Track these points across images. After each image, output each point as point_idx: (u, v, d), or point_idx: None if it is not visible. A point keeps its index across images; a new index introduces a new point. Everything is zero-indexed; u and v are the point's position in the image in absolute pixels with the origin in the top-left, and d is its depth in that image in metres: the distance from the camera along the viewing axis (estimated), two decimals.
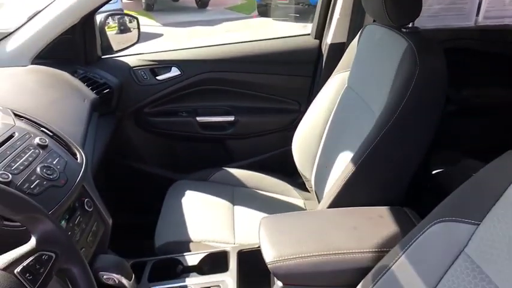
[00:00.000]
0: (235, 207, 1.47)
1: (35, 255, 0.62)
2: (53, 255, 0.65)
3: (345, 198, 1.09)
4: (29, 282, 0.59)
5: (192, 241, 1.26)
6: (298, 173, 1.58)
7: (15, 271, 0.58)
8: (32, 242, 0.63)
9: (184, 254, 1.16)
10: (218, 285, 1.02)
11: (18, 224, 0.75)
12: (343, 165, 1.16)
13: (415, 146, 1.06)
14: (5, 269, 0.58)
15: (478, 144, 1.81)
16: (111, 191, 1.50)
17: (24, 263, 0.60)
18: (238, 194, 1.55)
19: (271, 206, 1.50)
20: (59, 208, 0.88)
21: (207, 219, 1.36)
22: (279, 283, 0.90)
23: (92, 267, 0.90)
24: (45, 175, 0.90)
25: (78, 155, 1.08)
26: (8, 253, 0.61)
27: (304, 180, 1.60)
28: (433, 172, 1.74)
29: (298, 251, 0.90)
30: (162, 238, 1.29)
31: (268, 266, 0.89)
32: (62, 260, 0.66)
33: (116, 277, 0.90)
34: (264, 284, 1.13)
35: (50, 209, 0.86)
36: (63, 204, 0.90)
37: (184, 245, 1.25)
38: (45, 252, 0.64)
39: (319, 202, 1.45)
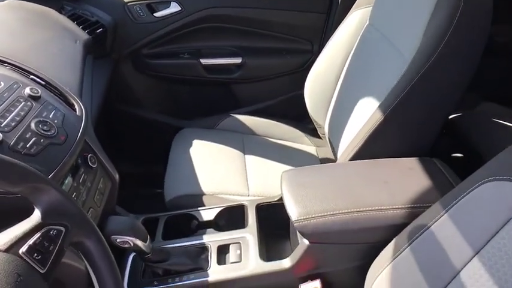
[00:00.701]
0: (246, 156, 1.39)
1: (42, 230, 0.54)
2: (63, 228, 0.56)
3: (371, 149, 1.00)
4: (38, 262, 0.51)
5: (204, 194, 1.19)
6: (309, 118, 1.49)
7: (20, 251, 0.50)
8: (37, 216, 0.54)
9: (199, 208, 1.10)
10: (238, 242, 0.97)
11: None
12: (366, 113, 1.06)
13: (451, 90, 0.96)
14: (7, 249, 0.50)
15: (498, 88, 1.70)
16: (112, 142, 1.41)
17: (30, 241, 0.52)
18: (248, 142, 1.46)
19: (283, 154, 1.42)
20: (62, 168, 0.79)
21: (218, 170, 1.29)
22: (305, 241, 0.85)
23: (103, 231, 0.83)
24: (42, 131, 0.80)
25: (76, 106, 0.97)
26: (8, 230, 0.52)
27: (316, 126, 1.51)
28: (450, 117, 1.65)
29: (326, 208, 0.83)
30: (172, 192, 1.22)
31: (294, 224, 0.82)
32: (72, 233, 0.58)
33: (131, 240, 0.83)
34: (284, 239, 1.08)
35: (52, 171, 0.77)
36: (66, 163, 0.81)
37: (197, 198, 1.18)
38: (53, 227, 0.55)
39: (333, 150, 1.38)
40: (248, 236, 0.98)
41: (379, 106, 0.99)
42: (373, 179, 0.90)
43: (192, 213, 1.09)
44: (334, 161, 1.41)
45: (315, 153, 1.49)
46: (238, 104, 1.69)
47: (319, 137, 1.55)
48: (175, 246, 0.98)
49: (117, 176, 1.07)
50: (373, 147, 1.00)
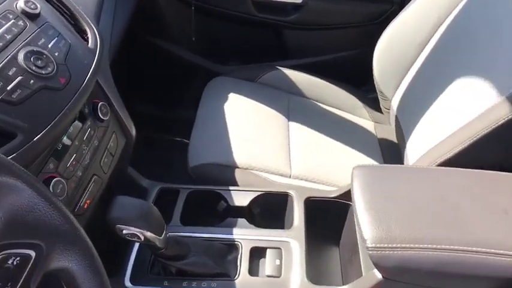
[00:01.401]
0: (291, 124, 1.13)
1: None
2: (31, 254, 0.33)
3: (474, 156, 0.74)
4: None
5: (237, 167, 0.95)
6: (373, 85, 1.20)
7: None
8: None
9: (230, 188, 0.87)
10: (279, 248, 0.74)
11: None
12: (469, 105, 0.78)
13: None
14: None
15: None
16: (132, 80, 1.16)
17: None
18: (294, 105, 1.19)
19: (335, 127, 1.16)
20: (56, 126, 0.55)
21: (256, 137, 1.04)
22: (377, 274, 0.61)
23: (106, 216, 0.61)
24: (34, 68, 0.55)
25: (89, 34, 0.70)
26: None
27: (379, 97, 1.23)
28: None
29: (419, 238, 0.59)
30: (198, 157, 0.98)
31: (369, 251, 0.58)
32: (50, 256, 0.35)
33: (141, 233, 0.61)
34: (334, 246, 0.86)
35: (40, 129, 0.53)
36: (64, 118, 0.57)
37: (227, 171, 0.95)
38: (13, 251, 0.32)
39: (398, 132, 1.11)
40: (292, 242, 0.75)
41: (502, 101, 0.70)
42: (487, 203, 0.64)
43: (220, 191, 0.86)
44: (396, 144, 1.15)
45: (373, 131, 1.22)
46: (287, 55, 1.39)
47: (380, 111, 1.27)
48: (197, 238, 0.76)
49: (133, 132, 0.83)
50: (479, 154, 0.74)
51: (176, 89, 1.40)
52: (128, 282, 0.71)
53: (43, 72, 0.56)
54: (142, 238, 0.63)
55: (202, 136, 1.04)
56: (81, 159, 0.66)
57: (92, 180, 0.69)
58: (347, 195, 0.81)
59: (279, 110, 1.15)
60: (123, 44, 0.99)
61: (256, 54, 1.38)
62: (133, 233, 0.62)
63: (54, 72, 0.57)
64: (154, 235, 0.63)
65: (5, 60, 0.53)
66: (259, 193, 0.86)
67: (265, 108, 1.15)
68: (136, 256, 0.74)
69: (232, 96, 1.15)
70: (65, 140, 0.64)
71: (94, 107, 0.71)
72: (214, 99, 1.14)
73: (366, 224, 0.61)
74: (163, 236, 0.64)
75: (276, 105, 1.16)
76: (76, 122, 0.67)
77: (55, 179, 0.59)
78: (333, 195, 0.83)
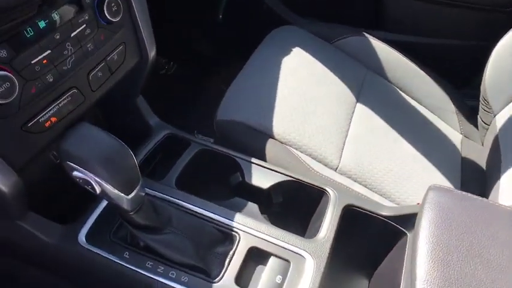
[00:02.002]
0: (359, 106, 0.88)
1: None
2: None
3: None
4: None
5: (273, 137, 0.73)
6: (478, 90, 0.92)
7: None
8: None
9: (253, 160, 0.65)
10: (287, 260, 0.53)
11: None
12: None
13: None
14: None
15: None
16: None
17: None
18: (370, 85, 0.94)
19: (411, 126, 0.90)
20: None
21: (309, 108, 0.81)
22: None
23: (58, 146, 0.42)
24: None
25: None
26: None
27: (481, 107, 0.94)
28: None
29: None
30: (228, 111, 0.77)
31: None
32: None
33: (95, 181, 0.42)
34: (364, 276, 0.62)
35: None
36: None
37: (258, 137, 0.73)
38: None
39: (490, 155, 0.84)
40: (309, 259, 0.53)
41: None
42: None
43: (240, 160, 0.65)
44: (482, 170, 0.87)
45: (459, 146, 0.94)
46: (382, 26, 1.11)
47: (475, 124, 0.98)
48: (186, 210, 0.56)
49: (152, 53, 0.63)
50: None
51: (237, 31, 1.19)
52: (82, 238, 0.54)
53: None
54: (98, 190, 0.44)
55: (242, 89, 0.82)
56: (58, 60, 0.48)
57: (69, 93, 0.50)
58: (405, 220, 0.57)
59: (350, 84, 0.90)
60: None
61: (345, 14, 1.11)
62: (86, 180, 0.43)
63: None
64: (116, 190, 0.44)
65: None
66: (288, 178, 0.63)
67: (333, 77, 0.90)
68: (103, 210, 0.56)
69: (296, 51, 0.91)
70: (41, 26, 0.45)
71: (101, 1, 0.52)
72: (273, 51, 0.91)
73: (428, 279, 0.37)
74: (132, 195, 0.45)
75: (348, 78, 0.91)
76: (67, 7, 0.48)
77: (1, 72, 0.41)
78: (384, 213, 0.58)
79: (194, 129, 0.87)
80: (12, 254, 0.59)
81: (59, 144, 0.42)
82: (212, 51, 1.33)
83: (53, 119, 0.49)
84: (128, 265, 0.51)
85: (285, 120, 0.76)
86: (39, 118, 0.48)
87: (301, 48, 0.91)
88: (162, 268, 0.51)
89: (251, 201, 0.61)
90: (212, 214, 0.56)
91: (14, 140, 0.45)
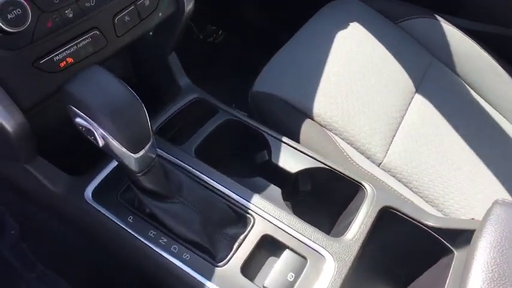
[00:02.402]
0: (417, 97, 0.77)
1: None
2: None
3: None
4: None
5: (311, 117, 0.66)
6: None
7: None
8: None
9: (284, 139, 0.58)
10: (304, 257, 0.46)
11: None
12: None
13: None
14: None
15: None
16: None
17: None
18: (434, 76, 0.83)
19: (477, 130, 0.78)
20: None
21: (359, 92, 0.72)
22: None
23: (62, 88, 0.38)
24: None
25: None
26: None
27: None
28: None
29: None
30: (267, 82, 0.70)
31: None
32: None
33: (99, 133, 0.38)
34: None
35: None
36: None
37: (295, 116, 0.66)
38: None
39: None
40: (330, 260, 0.45)
41: None
42: None
43: (270, 138, 0.58)
44: None
45: None
46: (457, 7, 0.97)
47: None
48: (200, 182, 0.51)
49: (190, 6, 0.57)
50: None
51: (293, 2, 1.10)
52: (88, 193, 0.50)
53: None
54: (101, 143, 0.39)
55: (285, 61, 0.74)
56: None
57: (89, 34, 0.46)
58: (454, 235, 0.47)
59: (410, 72, 0.79)
60: None
61: None
62: (88, 129, 0.38)
63: None
64: (122, 147, 0.39)
65: None
66: (321, 165, 0.56)
67: (392, 61, 0.80)
68: (115, 168, 0.52)
69: (352, 28, 0.81)
70: None
71: None
72: (327, 24, 0.82)
73: None
74: (139, 154, 0.40)
75: (410, 64, 0.80)
76: None
77: None
78: (429, 223, 0.49)
79: (231, 101, 0.81)
80: (25, 197, 0.57)
81: (64, 84, 0.38)
82: (264, 22, 1.26)
83: (69, 60, 0.45)
84: (130, 230, 0.47)
85: (328, 101, 0.68)
86: (54, 56, 0.43)
87: (359, 24, 0.81)
88: (165, 240, 0.46)
89: (274, 185, 0.54)
90: (228, 190, 0.50)
91: (23, 76, 0.42)
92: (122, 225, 0.47)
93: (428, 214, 0.51)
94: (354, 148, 0.66)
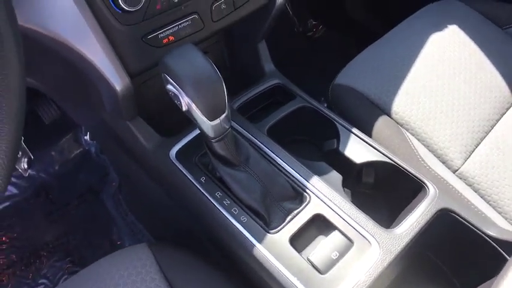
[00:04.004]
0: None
1: None
2: None
3: None
4: None
5: (388, 114, 0.66)
6: None
7: None
8: None
9: (355, 131, 0.60)
10: (351, 240, 0.48)
11: None
12: None
13: None
14: None
15: None
16: None
17: None
18: None
19: None
20: None
21: (447, 98, 0.69)
22: None
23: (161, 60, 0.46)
24: None
25: None
26: None
27: None
28: None
29: None
30: (350, 76, 0.72)
31: None
32: None
33: (182, 98, 0.45)
34: None
35: None
36: None
37: (372, 111, 0.67)
38: None
39: None
40: (375, 247, 0.47)
41: None
42: None
43: (341, 128, 0.61)
44: None
45: None
46: None
47: None
48: (266, 158, 0.56)
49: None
50: None
51: (396, 1, 1.08)
52: (173, 152, 0.58)
53: None
54: (184, 107, 0.46)
55: (372, 57, 0.75)
56: None
57: (190, 17, 0.53)
58: None
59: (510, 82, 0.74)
60: None
61: None
62: (176, 94, 0.46)
63: None
64: (200, 113, 0.46)
65: None
66: (386, 159, 0.57)
67: (491, 68, 0.75)
68: (196, 136, 0.59)
69: (451, 30, 0.78)
70: None
71: None
72: (424, 24, 0.80)
73: None
74: (214, 122, 0.47)
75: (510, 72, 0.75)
76: None
77: None
78: (492, 234, 0.47)
79: (321, 95, 0.84)
80: (126, 152, 0.68)
81: (162, 57, 0.46)
82: (367, 19, 1.25)
83: (171, 38, 0.53)
84: (200, 188, 0.54)
85: (410, 100, 0.68)
86: (159, 34, 0.52)
87: (460, 27, 0.78)
88: (228, 202, 0.52)
89: (336, 171, 0.57)
90: (291, 169, 0.55)
91: (133, 48, 0.51)
92: (195, 183, 0.54)
93: (492, 223, 0.49)
94: (430, 151, 0.65)
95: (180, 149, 0.58)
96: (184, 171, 0.56)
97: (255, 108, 0.66)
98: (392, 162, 0.56)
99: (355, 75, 0.72)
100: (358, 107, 0.67)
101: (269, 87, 0.66)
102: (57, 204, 1.00)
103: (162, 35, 0.52)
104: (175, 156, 0.58)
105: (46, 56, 0.55)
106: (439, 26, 0.77)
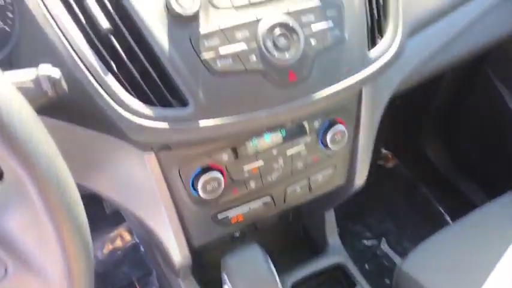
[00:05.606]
0: None
1: None
2: None
3: None
4: None
5: None
6: None
7: None
8: None
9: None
10: None
11: None
12: None
13: None
14: None
15: None
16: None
17: None
18: None
19: None
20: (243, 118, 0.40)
21: None
22: None
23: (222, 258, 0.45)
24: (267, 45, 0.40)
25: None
26: None
27: None
28: None
29: None
30: (419, 265, 0.66)
31: None
32: None
33: None
34: None
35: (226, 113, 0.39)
36: (270, 117, 0.41)
37: None
38: None
39: None
40: None
41: None
42: None
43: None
44: None
45: None
46: None
47: None
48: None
49: (360, 181, 0.60)
50: None
51: (482, 157, 1.01)
52: None
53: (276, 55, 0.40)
54: None
55: (450, 246, 0.69)
56: (266, 172, 0.50)
57: (262, 200, 0.52)
58: None
59: None
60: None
61: None
62: None
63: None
64: None
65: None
66: None
67: None
68: None
69: None
70: (266, 139, 0.49)
71: (329, 124, 0.52)
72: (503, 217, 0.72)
73: None
74: None
75: None
76: (293, 127, 0.50)
77: (213, 173, 0.46)
78: None
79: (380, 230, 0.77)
80: None
81: (224, 255, 0.44)
82: (442, 161, 1.17)
83: (240, 217, 0.52)
84: None
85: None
86: (229, 213, 0.51)
87: None
88: None
89: None
90: None
91: (201, 225, 0.50)
92: None
93: None
94: None
95: None
96: None
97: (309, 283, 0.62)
98: None
99: (426, 265, 0.65)
100: None
101: (329, 267, 0.62)
102: None
103: (231, 214, 0.52)
104: None
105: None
106: None
